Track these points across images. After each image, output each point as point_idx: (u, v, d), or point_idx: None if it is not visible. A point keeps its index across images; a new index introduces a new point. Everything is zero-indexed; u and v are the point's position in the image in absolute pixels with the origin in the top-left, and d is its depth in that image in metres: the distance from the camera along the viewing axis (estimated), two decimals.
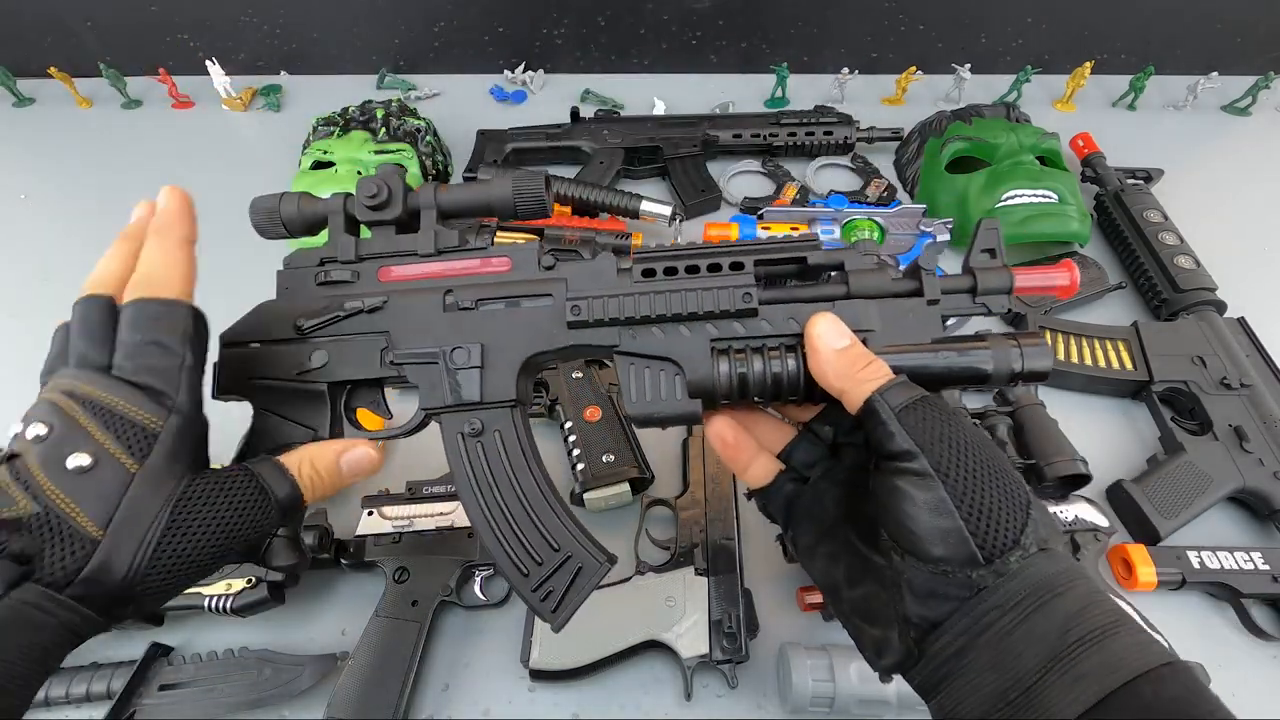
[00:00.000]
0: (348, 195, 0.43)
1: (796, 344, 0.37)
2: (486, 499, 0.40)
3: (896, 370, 0.35)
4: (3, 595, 0.27)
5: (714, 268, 0.38)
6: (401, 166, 0.43)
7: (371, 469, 0.40)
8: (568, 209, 0.88)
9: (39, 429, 0.31)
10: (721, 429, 0.40)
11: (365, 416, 0.44)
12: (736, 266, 0.38)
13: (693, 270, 0.38)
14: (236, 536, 0.34)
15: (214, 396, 0.40)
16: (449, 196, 0.42)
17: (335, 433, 0.42)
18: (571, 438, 0.65)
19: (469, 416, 0.40)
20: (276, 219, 0.45)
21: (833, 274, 0.39)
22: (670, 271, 0.39)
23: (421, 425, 0.42)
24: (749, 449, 0.41)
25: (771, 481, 0.41)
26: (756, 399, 0.38)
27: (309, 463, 0.38)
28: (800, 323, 0.37)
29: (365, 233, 0.44)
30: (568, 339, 0.39)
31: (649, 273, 0.39)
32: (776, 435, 0.42)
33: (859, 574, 0.34)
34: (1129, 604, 0.57)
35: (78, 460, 0.30)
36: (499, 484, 0.40)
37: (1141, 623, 0.29)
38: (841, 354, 0.34)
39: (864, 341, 0.36)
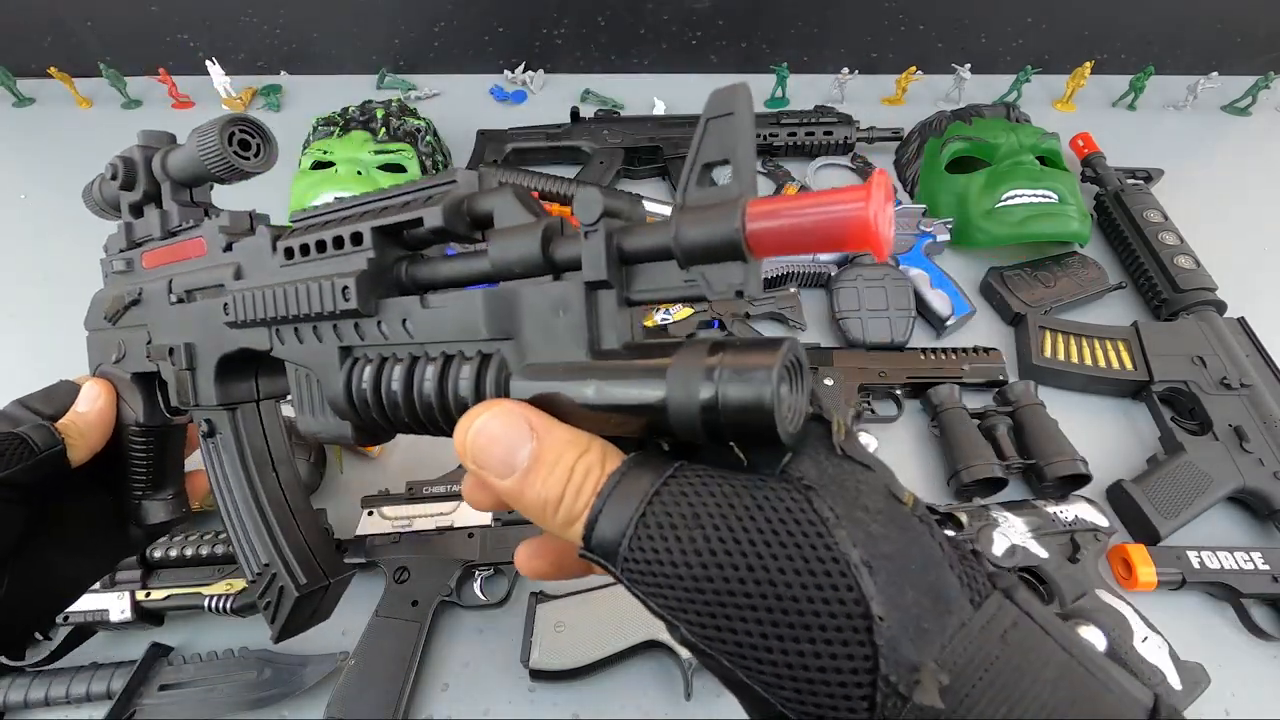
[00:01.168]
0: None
1: (419, 356, 0.25)
2: (226, 500, 0.40)
3: (542, 401, 0.21)
4: None
5: (337, 242, 0.27)
6: (170, 135, 0.41)
7: (97, 409, 0.42)
8: (567, 209, 0.88)
9: None
10: (525, 559, 0.26)
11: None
12: (356, 239, 0.26)
13: (320, 247, 0.28)
14: None
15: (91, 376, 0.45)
16: (174, 162, 0.38)
17: (153, 416, 0.44)
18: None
19: (200, 415, 0.39)
20: (95, 200, 0.46)
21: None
22: (305, 250, 0.28)
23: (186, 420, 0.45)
24: (557, 550, 0.26)
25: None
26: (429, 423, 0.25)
27: (71, 420, 0.41)
28: (412, 328, 0.25)
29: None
30: (234, 340, 0.33)
31: (290, 252, 0.29)
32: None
33: None
34: (1129, 604, 0.57)
35: None
36: (231, 486, 0.39)
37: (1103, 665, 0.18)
38: (520, 489, 0.21)
39: (487, 358, 0.23)
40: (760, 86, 1.14)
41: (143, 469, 0.44)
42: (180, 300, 0.37)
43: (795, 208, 0.17)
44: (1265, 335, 0.75)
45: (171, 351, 0.37)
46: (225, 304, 0.32)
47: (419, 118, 0.98)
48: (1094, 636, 0.55)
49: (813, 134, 1.00)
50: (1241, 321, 0.77)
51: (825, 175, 1.02)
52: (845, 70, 1.10)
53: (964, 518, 0.61)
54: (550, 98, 1.15)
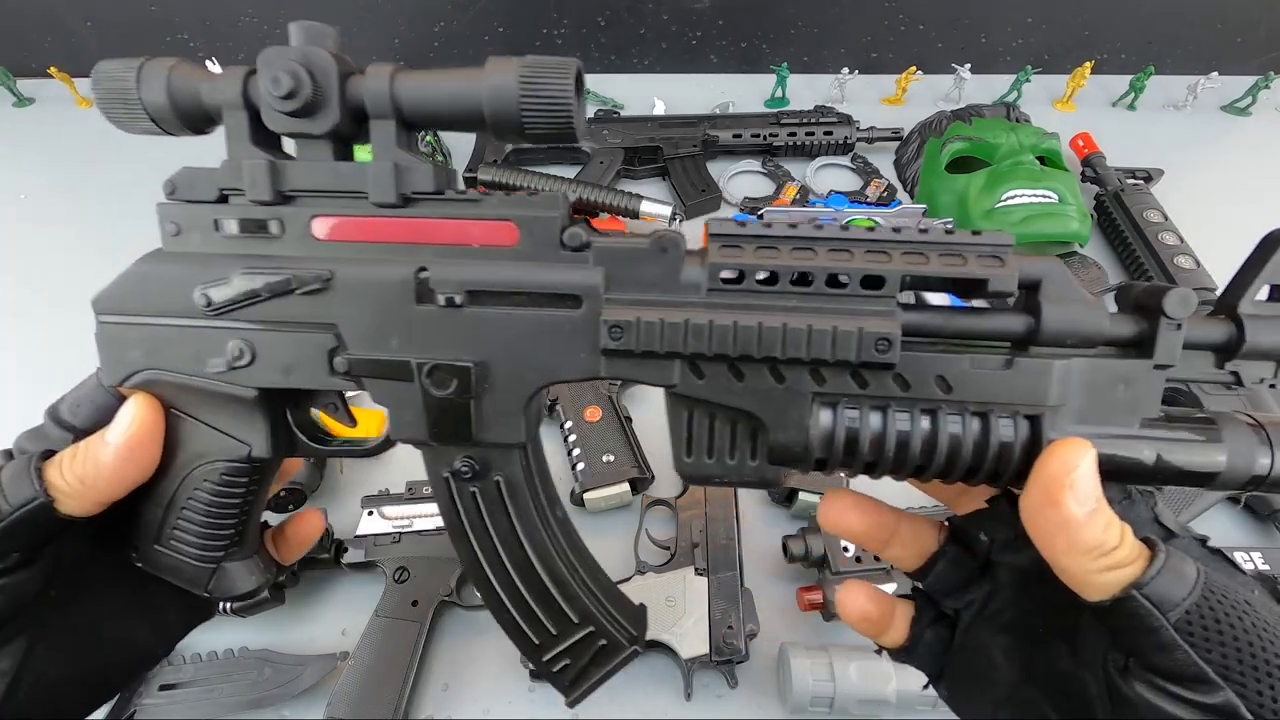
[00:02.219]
0: (251, 73, 0.27)
1: (936, 410, 0.25)
2: (487, 554, 0.31)
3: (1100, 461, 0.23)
4: None
5: (833, 281, 0.25)
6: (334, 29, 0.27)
7: (127, 444, 0.29)
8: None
9: None
10: (862, 602, 0.30)
11: (326, 418, 0.35)
12: (872, 283, 0.24)
13: (803, 280, 0.25)
14: None
15: (109, 385, 0.30)
16: (416, 90, 0.26)
17: (279, 448, 0.32)
18: (571, 438, 0.65)
19: (460, 453, 0.30)
20: (134, 102, 0.30)
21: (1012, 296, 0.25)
22: (769, 280, 0.25)
23: (387, 445, 0.33)
24: (886, 616, 0.31)
25: (909, 635, 0.31)
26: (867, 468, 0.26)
27: (63, 462, 0.29)
28: (953, 385, 0.24)
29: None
30: (600, 368, 0.27)
31: (734, 279, 0.25)
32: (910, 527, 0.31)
33: None
34: None
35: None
36: (502, 539, 0.31)
37: None
38: (1090, 519, 0.23)
39: (1033, 420, 0.24)
40: (760, 86, 1.14)
41: (232, 521, 0.32)
42: (451, 304, 0.27)
43: None
44: None
45: (432, 371, 0.27)
46: (614, 329, 0.25)
47: None
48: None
49: (813, 134, 1.00)
50: None
51: (825, 175, 1.02)
52: (845, 70, 1.10)
53: None
54: None
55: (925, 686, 0.31)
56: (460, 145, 1.04)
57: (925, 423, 0.25)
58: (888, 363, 0.24)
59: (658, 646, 0.55)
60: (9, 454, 0.31)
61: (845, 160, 1.03)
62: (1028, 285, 0.24)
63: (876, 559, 0.56)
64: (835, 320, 0.24)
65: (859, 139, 1.01)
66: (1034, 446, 0.24)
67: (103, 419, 0.30)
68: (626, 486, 0.63)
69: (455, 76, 0.25)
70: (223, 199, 0.29)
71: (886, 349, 0.24)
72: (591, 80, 1.17)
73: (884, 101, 1.14)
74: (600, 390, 0.68)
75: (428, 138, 0.96)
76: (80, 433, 0.30)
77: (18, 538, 0.28)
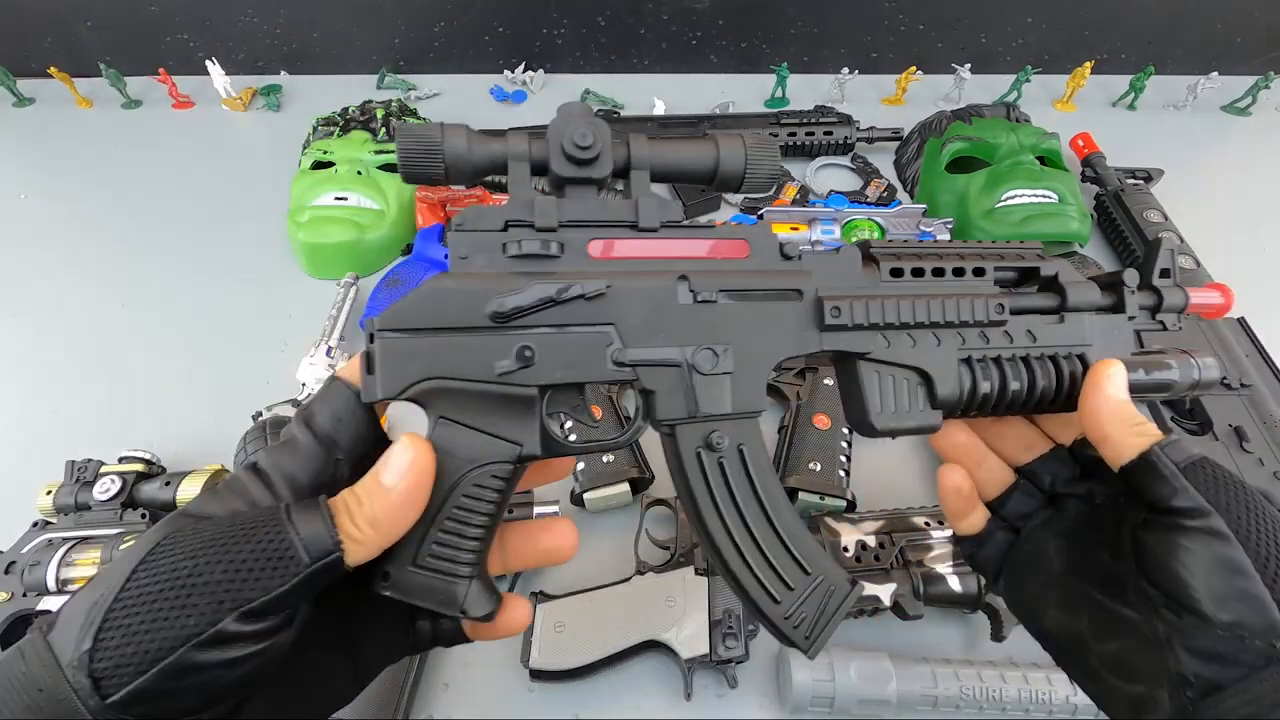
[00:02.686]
0: (534, 135, 0.33)
1: (1028, 355, 0.37)
2: (732, 521, 0.34)
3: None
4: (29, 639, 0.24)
5: (958, 271, 0.38)
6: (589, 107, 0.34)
7: (408, 487, 0.28)
8: None
9: None
10: (958, 481, 0.39)
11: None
12: (979, 272, 0.38)
13: (938, 273, 0.37)
14: (209, 573, 0.24)
15: (372, 399, 0.30)
16: (661, 155, 0.34)
17: (547, 446, 0.33)
18: (571, 438, 0.65)
19: (711, 428, 0.34)
20: (436, 155, 0.35)
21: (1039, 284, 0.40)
22: (917, 273, 0.37)
23: (635, 435, 0.36)
24: (974, 499, 0.40)
25: (983, 529, 0.40)
26: (986, 412, 0.37)
27: (351, 507, 0.27)
28: (1036, 336, 0.37)
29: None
30: (819, 343, 0.35)
31: (897, 272, 0.37)
32: (1000, 459, 0.41)
33: (1108, 628, 0.33)
34: None
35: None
36: (744, 503, 0.35)
37: None
38: (1123, 404, 0.34)
39: (1081, 356, 0.38)
40: (760, 86, 1.14)
41: (487, 529, 0.31)
42: (706, 301, 0.34)
43: None
44: (1265, 335, 0.75)
45: (696, 354, 0.33)
46: (834, 308, 0.35)
47: (419, 118, 0.98)
48: None
49: (813, 134, 1.00)
50: (1241, 321, 0.77)
51: (825, 175, 1.02)
52: (845, 70, 1.10)
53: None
54: (550, 98, 1.15)
55: (985, 589, 0.49)
56: None
57: (1024, 370, 0.37)
58: (1001, 320, 0.37)
59: (658, 646, 0.55)
60: (256, 469, 0.28)
61: (845, 160, 1.03)
62: (1050, 274, 0.39)
63: (876, 559, 0.56)
64: (968, 296, 0.37)
65: (859, 139, 1.01)
66: (1085, 374, 0.37)
67: (359, 441, 0.30)
68: (626, 486, 0.63)
69: (692, 147, 0.35)
70: (505, 229, 0.33)
71: (1001, 310, 0.37)
72: (592, 80, 1.17)
73: (884, 101, 1.14)
74: (600, 390, 0.68)
75: None
76: (343, 454, 0.29)
77: (304, 594, 0.25)
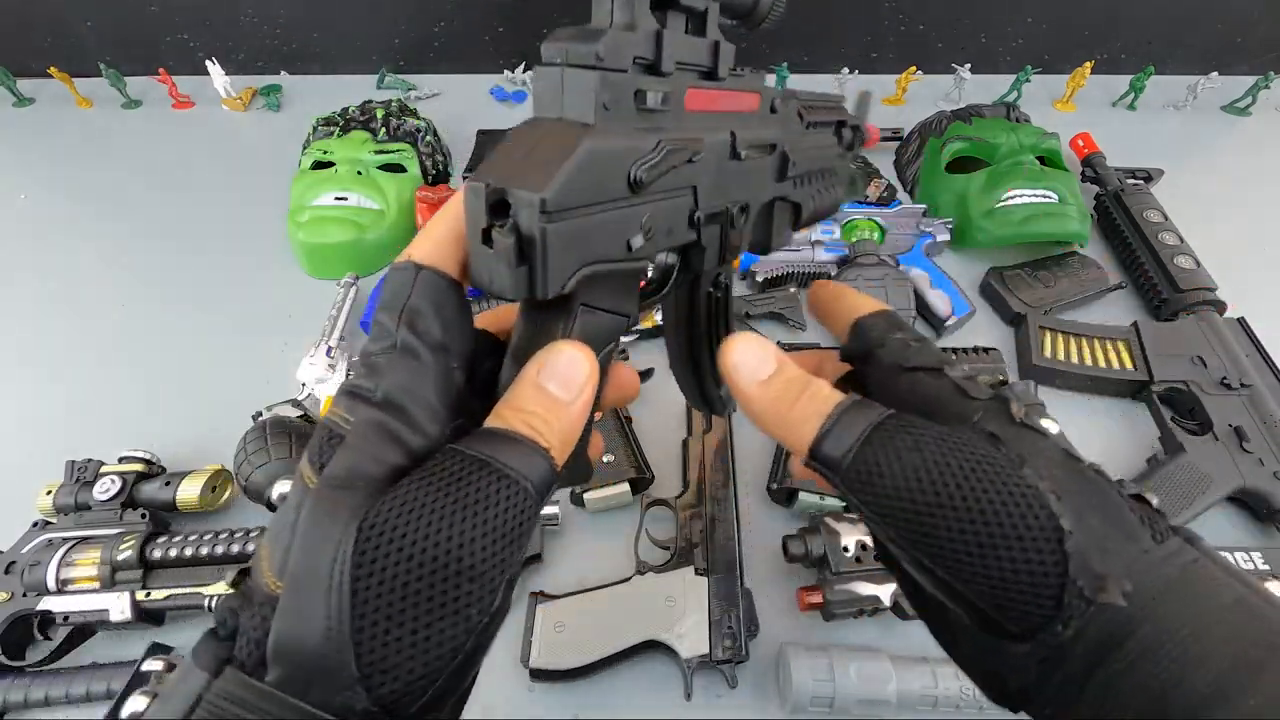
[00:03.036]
0: None
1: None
2: (699, 342, 0.39)
3: None
4: (205, 685, 0.19)
5: (838, 128, 0.43)
6: None
7: (583, 403, 0.24)
8: None
9: None
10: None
11: None
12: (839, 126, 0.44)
13: (825, 126, 0.42)
14: (468, 554, 0.19)
15: (541, 296, 0.23)
16: None
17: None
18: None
19: (723, 270, 0.37)
20: None
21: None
22: (817, 126, 0.41)
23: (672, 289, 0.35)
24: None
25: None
26: None
27: (535, 426, 0.22)
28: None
29: None
30: (776, 191, 0.37)
31: (812, 126, 0.41)
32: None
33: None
34: None
35: (280, 488, 0.23)
36: (714, 329, 0.39)
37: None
38: (765, 387, 0.25)
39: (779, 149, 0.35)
40: None
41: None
42: (738, 157, 0.32)
43: None
44: (1265, 335, 0.75)
45: (744, 209, 0.35)
46: (793, 161, 0.36)
47: (419, 118, 0.98)
48: None
49: None
50: (1241, 321, 0.77)
51: None
52: (845, 70, 1.10)
53: None
54: None
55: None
56: (461, 146, 1.04)
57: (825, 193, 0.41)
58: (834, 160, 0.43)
59: (658, 646, 0.55)
60: (389, 404, 0.21)
61: None
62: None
63: (876, 559, 0.56)
64: (827, 146, 0.41)
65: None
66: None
67: (468, 343, 0.24)
68: (626, 486, 0.63)
69: None
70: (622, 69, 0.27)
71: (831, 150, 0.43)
72: None
73: (884, 101, 1.14)
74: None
75: (428, 138, 0.96)
76: (458, 362, 0.23)
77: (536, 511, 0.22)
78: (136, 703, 0.23)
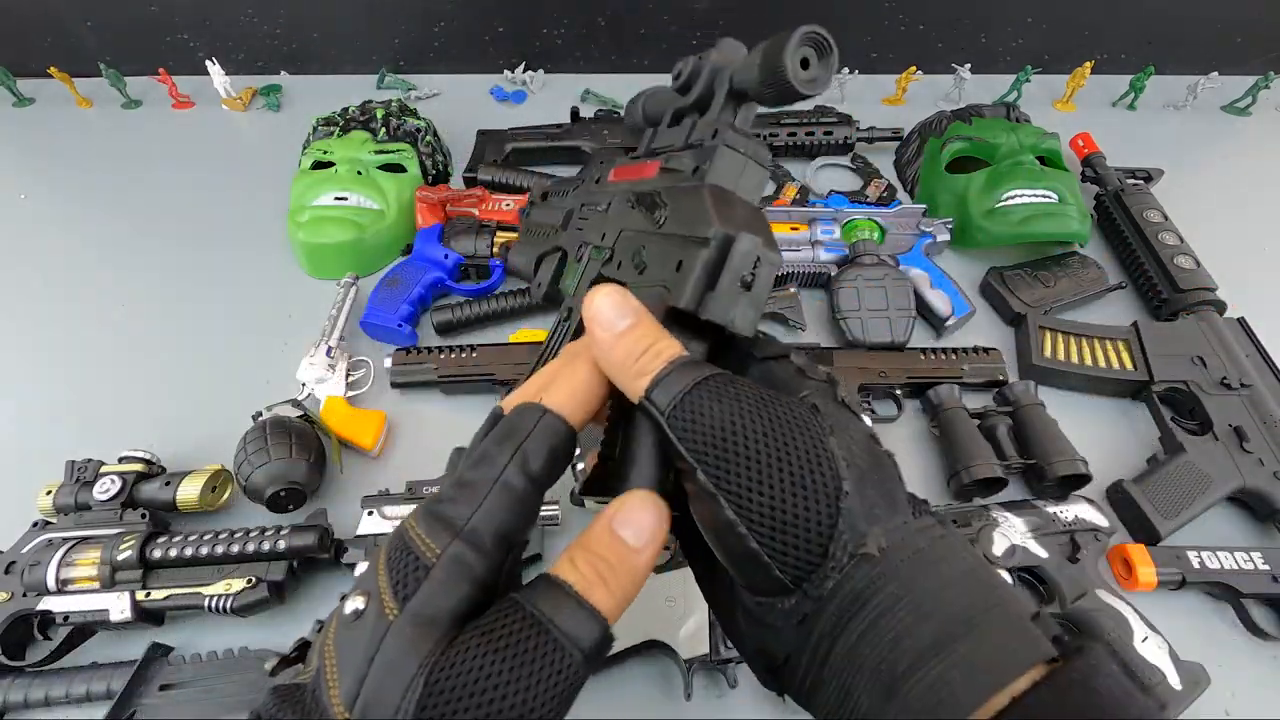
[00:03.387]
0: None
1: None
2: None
3: None
4: None
5: None
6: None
7: (661, 524, 0.24)
8: None
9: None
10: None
11: None
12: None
13: None
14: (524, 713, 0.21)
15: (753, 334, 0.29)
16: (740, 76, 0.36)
17: None
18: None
19: None
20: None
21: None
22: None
23: None
24: None
25: None
26: None
27: (602, 575, 0.23)
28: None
29: None
30: None
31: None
32: None
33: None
34: (1129, 604, 0.57)
35: (354, 604, 0.22)
36: None
37: (1019, 608, 0.21)
38: (620, 337, 0.25)
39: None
40: None
41: None
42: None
43: None
44: (1265, 335, 0.75)
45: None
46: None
47: (419, 118, 0.98)
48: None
49: (813, 134, 1.00)
50: (1241, 321, 0.77)
51: (825, 175, 1.02)
52: (845, 70, 1.10)
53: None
54: (550, 98, 1.15)
55: None
56: (461, 146, 1.04)
57: None
58: None
59: (658, 646, 0.55)
60: (473, 539, 0.22)
61: (845, 160, 1.03)
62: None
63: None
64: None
65: (859, 139, 1.01)
66: None
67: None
68: None
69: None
70: None
71: None
72: (592, 80, 1.17)
73: (884, 101, 1.14)
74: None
75: (428, 138, 0.96)
76: (544, 492, 0.25)
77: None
78: None
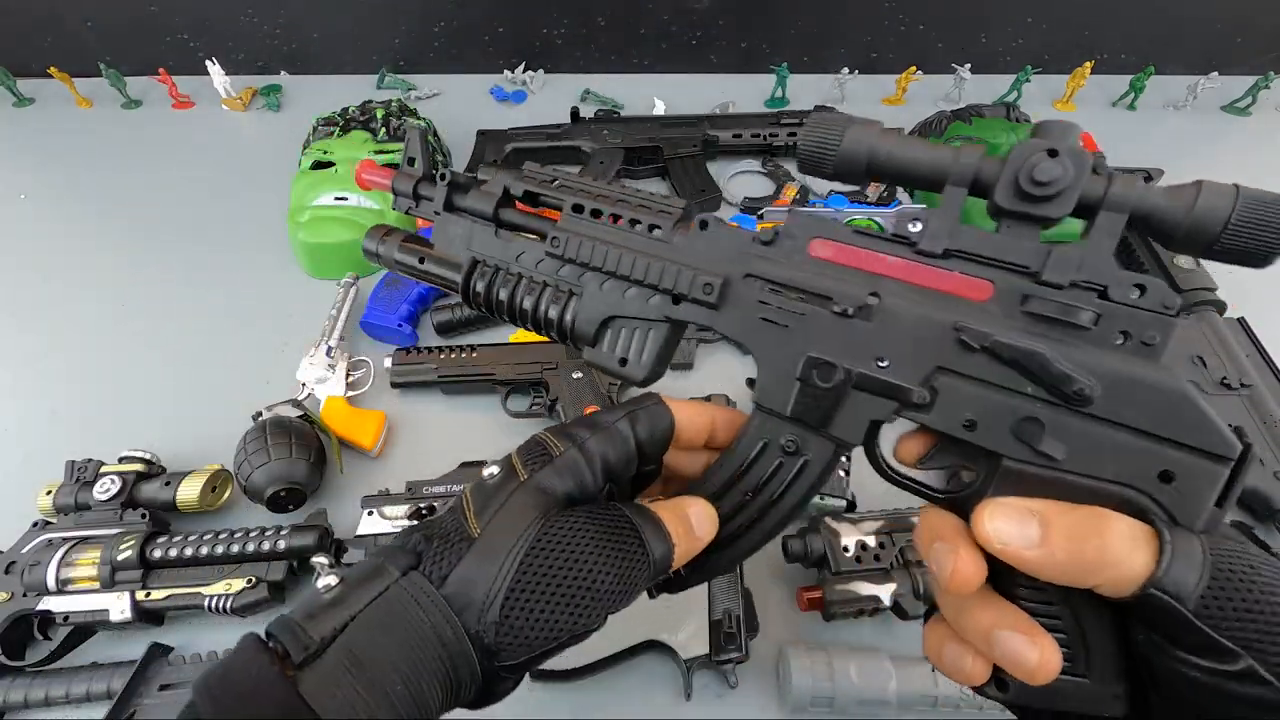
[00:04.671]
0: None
1: None
2: (751, 510, 0.35)
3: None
4: (396, 579, 0.28)
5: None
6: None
7: (712, 531, 0.33)
8: None
9: None
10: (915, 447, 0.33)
11: None
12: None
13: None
14: (600, 581, 0.28)
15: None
16: (1156, 202, 0.29)
17: None
18: None
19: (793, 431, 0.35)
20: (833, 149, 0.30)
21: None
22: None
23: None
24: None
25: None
26: None
27: (679, 519, 0.32)
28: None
29: None
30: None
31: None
32: None
33: None
34: None
35: (489, 469, 0.31)
36: (767, 502, 0.35)
37: None
38: (1046, 549, 0.24)
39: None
40: (760, 86, 1.14)
41: None
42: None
43: None
44: (1265, 335, 0.75)
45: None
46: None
47: (419, 118, 0.98)
48: None
49: None
50: (1241, 321, 0.77)
51: None
52: (845, 70, 1.10)
53: None
54: (550, 98, 1.15)
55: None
56: (461, 146, 1.04)
57: None
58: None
59: (658, 646, 0.55)
60: (585, 449, 0.31)
61: None
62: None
63: (876, 559, 0.56)
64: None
65: None
66: None
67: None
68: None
69: (1170, 194, 0.28)
70: None
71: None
72: (592, 80, 1.17)
73: (884, 101, 1.14)
74: (599, 390, 0.68)
75: (428, 138, 0.96)
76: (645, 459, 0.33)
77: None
78: (327, 579, 0.29)
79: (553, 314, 0.36)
